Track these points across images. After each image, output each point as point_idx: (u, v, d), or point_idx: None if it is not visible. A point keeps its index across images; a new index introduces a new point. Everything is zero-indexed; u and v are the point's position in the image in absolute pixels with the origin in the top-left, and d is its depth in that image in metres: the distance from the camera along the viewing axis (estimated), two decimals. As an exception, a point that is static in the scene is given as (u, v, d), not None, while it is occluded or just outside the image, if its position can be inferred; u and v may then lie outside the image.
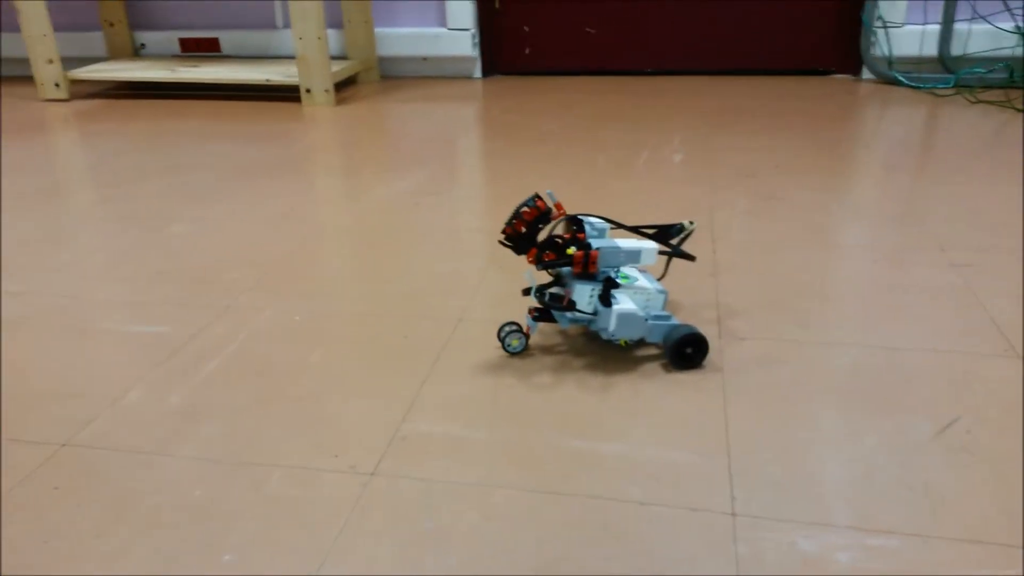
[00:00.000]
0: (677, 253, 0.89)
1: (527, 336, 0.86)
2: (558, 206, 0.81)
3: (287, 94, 2.22)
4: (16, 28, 2.51)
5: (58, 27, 2.49)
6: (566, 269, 0.85)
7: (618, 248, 0.83)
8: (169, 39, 2.47)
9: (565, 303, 0.83)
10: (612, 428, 0.74)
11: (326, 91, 2.06)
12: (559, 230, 0.87)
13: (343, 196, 1.39)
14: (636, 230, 0.89)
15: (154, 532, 0.62)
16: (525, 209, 0.80)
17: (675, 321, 0.84)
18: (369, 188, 1.42)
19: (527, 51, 2.36)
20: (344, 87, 2.29)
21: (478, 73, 2.36)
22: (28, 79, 2.52)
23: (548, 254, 0.82)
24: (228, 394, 0.80)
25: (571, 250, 0.81)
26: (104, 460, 0.71)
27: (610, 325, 0.81)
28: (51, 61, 2.18)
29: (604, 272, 0.83)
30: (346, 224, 1.25)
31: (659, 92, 2.12)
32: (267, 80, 2.10)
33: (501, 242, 0.82)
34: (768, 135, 1.68)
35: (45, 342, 0.91)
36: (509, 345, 0.86)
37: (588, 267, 0.81)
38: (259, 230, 1.24)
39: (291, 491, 0.67)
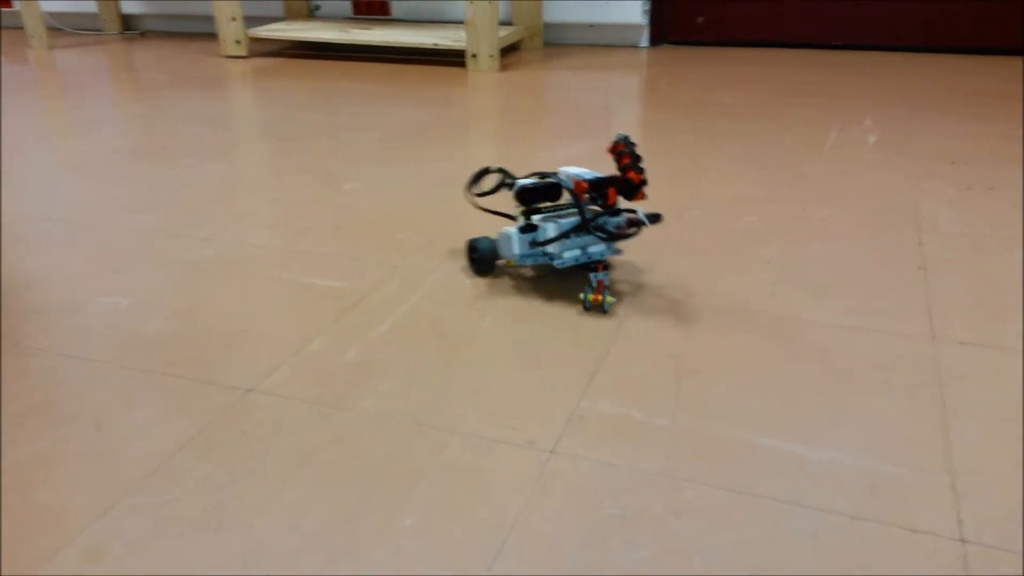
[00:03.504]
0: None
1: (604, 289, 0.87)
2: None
3: (452, 59, 2.22)
4: (204, -12, 2.65)
5: (241, -12, 2.60)
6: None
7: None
8: (342, 3, 2.53)
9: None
10: (811, 430, 0.67)
11: (491, 56, 2.04)
12: (488, 185, 0.94)
13: (509, 162, 1.36)
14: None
15: (336, 486, 0.62)
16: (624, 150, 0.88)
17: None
18: (535, 155, 1.39)
19: (700, 19, 2.25)
20: (507, 53, 2.27)
21: (645, 42, 2.28)
22: (211, 36, 2.66)
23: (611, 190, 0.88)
24: (404, 353, 0.80)
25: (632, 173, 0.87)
26: (288, 409, 0.72)
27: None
28: (234, 19, 2.28)
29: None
30: (515, 190, 1.23)
31: (848, 67, 1.96)
32: (435, 44, 2.11)
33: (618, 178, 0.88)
34: (979, 121, 1.51)
35: (233, 287, 0.94)
36: (604, 303, 0.87)
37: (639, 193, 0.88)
38: (428, 192, 1.23)
39: (470, 459, 0.65)
